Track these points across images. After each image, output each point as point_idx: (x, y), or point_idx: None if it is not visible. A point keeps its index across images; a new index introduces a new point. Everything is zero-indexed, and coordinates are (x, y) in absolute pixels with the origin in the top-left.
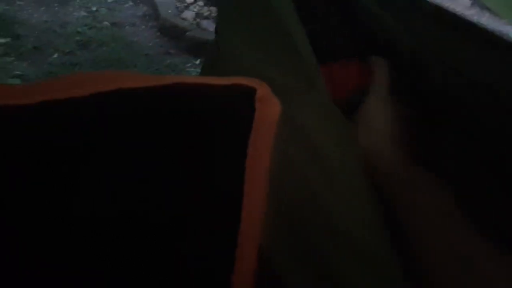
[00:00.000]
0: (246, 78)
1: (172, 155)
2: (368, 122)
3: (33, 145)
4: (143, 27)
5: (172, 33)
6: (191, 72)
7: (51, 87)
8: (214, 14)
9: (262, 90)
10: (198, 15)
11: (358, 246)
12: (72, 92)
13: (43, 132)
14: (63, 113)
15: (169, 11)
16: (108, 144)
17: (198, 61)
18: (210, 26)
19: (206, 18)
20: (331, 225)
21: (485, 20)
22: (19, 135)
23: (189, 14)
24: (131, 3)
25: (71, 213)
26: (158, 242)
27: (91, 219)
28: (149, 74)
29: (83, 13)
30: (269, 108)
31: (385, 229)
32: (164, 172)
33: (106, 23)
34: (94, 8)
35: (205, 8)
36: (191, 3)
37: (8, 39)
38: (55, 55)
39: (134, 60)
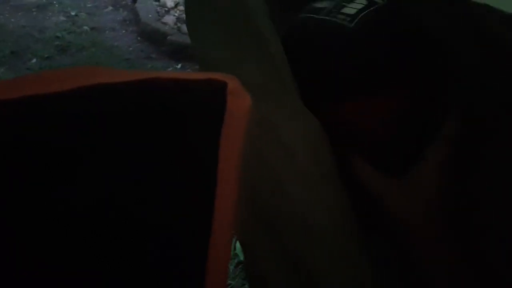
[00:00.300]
0: (217, 73)
1: (149, 146)
2: (420, 182)
3: (16, 140)
4: (124, 31)
5: (153, 37)
6: None
7: (32, 82)
8: None
9: (233, 84)
10: (179, 19)
11: (332, 246)
12: (53, 87)
13: (26, 128)
14: (44, 108)
15: (150, 16)
16: (89, 138)
17: (179, 65)
18: None
19: None
20: (306, 225)
21: None
22: (1, 130)
23: (170, 19)
24: (111, 7)
25: (52, 207)
26: (135, 235)
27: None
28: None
29: (62, 18)
30: (239, 100)
31: (357, 233)
32: (141, 163)
33: (85, 27)
34: (73, 13)
35: None
36: (172, 8)
37: None
38: (34, 60)
39: (114, 65)
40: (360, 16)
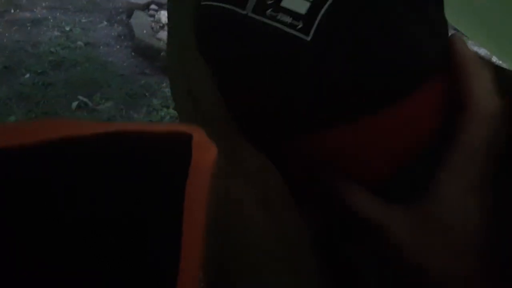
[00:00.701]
0: (183, 124)
1: (114, 199)
2: (446, 219)
3: None
4: (118, 47)
5: (147, 53)
6: (166, 91)
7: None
8: None
9: (198, 135)
10: None
11: None
12: (15, 140)
13: None
14: (11, 160)
15: (144, 32)
16: (50, 191)
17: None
18: None
19: None
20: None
21: None
22: None
23: (164, 35)
24: (105, 23)
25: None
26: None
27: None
28: (124, 94)
29: (56, 33)
30: (204, 152)
31: None
32: (103, 217)
33: (80, 43)
34: (68, 28)
35: None
36: (167, 24)
37: None
38: (27, 75)
39: (108, 80)
40: (318, 19)
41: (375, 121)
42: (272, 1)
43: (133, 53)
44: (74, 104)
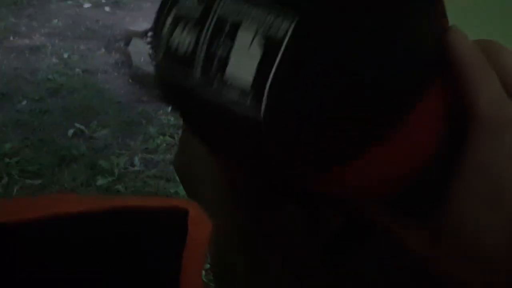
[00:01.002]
0: (179, 199)
1: (110, 276)
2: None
3: None
4: (115, 74)
5: (144, 80)
6: (163, 119)
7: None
8: None
9: (194, 211)
10: None
11: None
12: (7, 217)
13: None
14: (3, 236)
15: (142, 59)
16: (46, 267)
17: (170, 109)
18: None
19: None
20: None
21: None
22: None
23: None
24: (103, 50)
25: None
26: None
27: None
28: (121, 122)
29: (54, 60)
30: (200, 227)
31: None
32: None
33: (77, 70)
34: (66, 55)
35: None
36: None
37: None
38: (24, 102)
39: (105, 108)
40: (266, 91)
41: (372, 155)
42: (216, 72)
43: (130, 81)
44: (71, 131)
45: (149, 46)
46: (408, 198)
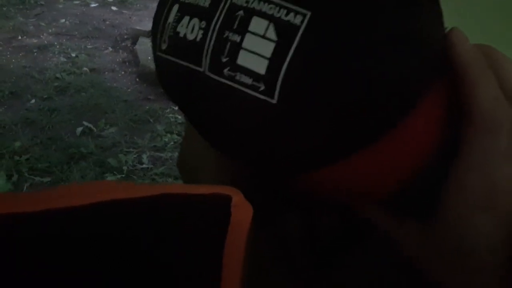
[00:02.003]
0: (223, 186)
1: (158, 261)
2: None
3: (42, 251)
4: (123, 73)
5: (151, 79)
6: (170, 117)
7: (50, 196)
8: None
9: (237, 197)
10: None
11: None
12: (72, 201)
13: (46, 241)
14: (64, 222)
15: (149, 58)
16: (106, 253)
17: (177, 107)
18: None
19: None
20: None
21: None
22: (28, 242)
23: None
24: (111, 49)
25: None
26: None
27: None
28: (128, 120)
29: (62, 59)
30: (243, 212)
31: None
32: (148, 276)
33: (85, 69)
34: (73, 54)
35: None
36: None
37: None
38: (33, 101)
39: (112, 106)
40: (280, 80)
41: (369, 153)
42: (227, 59)
43: (137, 79)
44: (79, 130)
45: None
46: (404, 198)
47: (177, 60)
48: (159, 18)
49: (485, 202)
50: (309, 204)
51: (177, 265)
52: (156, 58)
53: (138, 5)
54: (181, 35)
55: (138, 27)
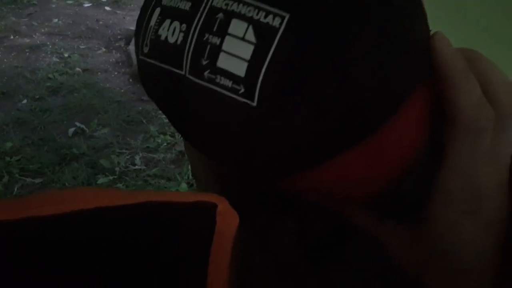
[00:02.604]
0: (209, 194)
1: (140, 270)
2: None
3: (20, 259)
4: (116, 73)
5: None
6: (163, 118)
7: (31, 203)
8: None
9: (222, 205)
10: None
11: None
12: (53, 208)
13: (26, 248)
14: (44, 230)
15: None
16: (87, 261)
17: None
18: None
19: None
20: None
21: None
22: (8, 250)
23: None
24: (104, 49)
25: None
26: None
27: None
28: (121, 121)
29: (55, 59)
30: (228, 220)
31: None
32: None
33: (78, 69)
34: (66, 54)
35: None
36: None
37: None
38: (24, 101)
39: (105, 107)
40: (259, 82)
41: (353, 154)
42: (207, 61)
43: (130, 80)
44: (71, 130)
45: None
46: (388, 200)
47: (158, 63)
48: (141, 22)
49: (469, 205)
50: (298, 207)
51: (161, 274)
52: (139, 62)
53: (131, 5)
54: (162, 38)
55: (131, 28)
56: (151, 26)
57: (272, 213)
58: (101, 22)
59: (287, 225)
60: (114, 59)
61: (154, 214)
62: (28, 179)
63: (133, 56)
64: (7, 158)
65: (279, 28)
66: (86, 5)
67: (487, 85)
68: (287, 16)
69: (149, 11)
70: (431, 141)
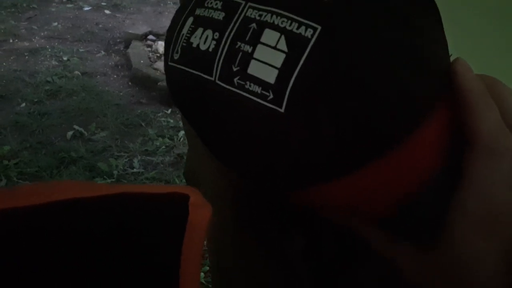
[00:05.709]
0: (181, 186)
1: (112, 259)
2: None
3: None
4: (115, 76)
5: (143, 83)
6: (162, 121)
7: (6, 195)
8: None
9: (195, 196)
10: None
11: None
12: (31, 200)
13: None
14: (20, 222)
15: (142, 61)
16: (61, 251)
17: (169, 111)
18: None
19: None
20: None
21: None
22: None
23: (161, 65)
24: (103, 52)
25: None
26: None
27: None
28: (120, 124)
29: (54, 63)
30: (201, 210)
31: None
32: (103, 275)
33: (77, 72)
34: (65, 58)
35: None
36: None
37: None
38: (23, 105)
39: (104, 110)
40: (289, 89)
41: (370, 170)
42: (238, 68)
43: (129, 83)
44: (70, 133)
45: (148, 48)
46: (404, 221)
47: (188, 69)
48: (173, 30)
49: (487, 228)
50: (309, 221)
51: (134, 262)
52: (167, 68)
53: (131, 9)
54: (194, 45)
55: (131, 31)
56: (183, 34)
57: (282, 226)
58: (100, 26)
59: (296, 238)
60: (113, 63)
61: (128, 204)
62: (26, 183)
63: (133, 59)
64: (5, 162)
65: (311, 39)
66: (85, 8)
67: (506, 113)
68: (319, 28)
69: (182, 20)
70: (449, 161)
